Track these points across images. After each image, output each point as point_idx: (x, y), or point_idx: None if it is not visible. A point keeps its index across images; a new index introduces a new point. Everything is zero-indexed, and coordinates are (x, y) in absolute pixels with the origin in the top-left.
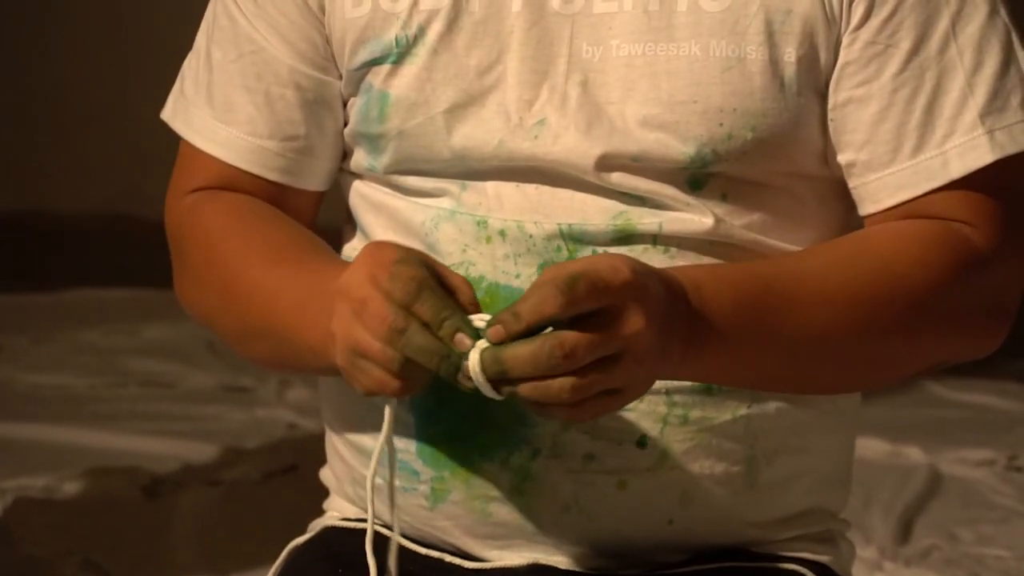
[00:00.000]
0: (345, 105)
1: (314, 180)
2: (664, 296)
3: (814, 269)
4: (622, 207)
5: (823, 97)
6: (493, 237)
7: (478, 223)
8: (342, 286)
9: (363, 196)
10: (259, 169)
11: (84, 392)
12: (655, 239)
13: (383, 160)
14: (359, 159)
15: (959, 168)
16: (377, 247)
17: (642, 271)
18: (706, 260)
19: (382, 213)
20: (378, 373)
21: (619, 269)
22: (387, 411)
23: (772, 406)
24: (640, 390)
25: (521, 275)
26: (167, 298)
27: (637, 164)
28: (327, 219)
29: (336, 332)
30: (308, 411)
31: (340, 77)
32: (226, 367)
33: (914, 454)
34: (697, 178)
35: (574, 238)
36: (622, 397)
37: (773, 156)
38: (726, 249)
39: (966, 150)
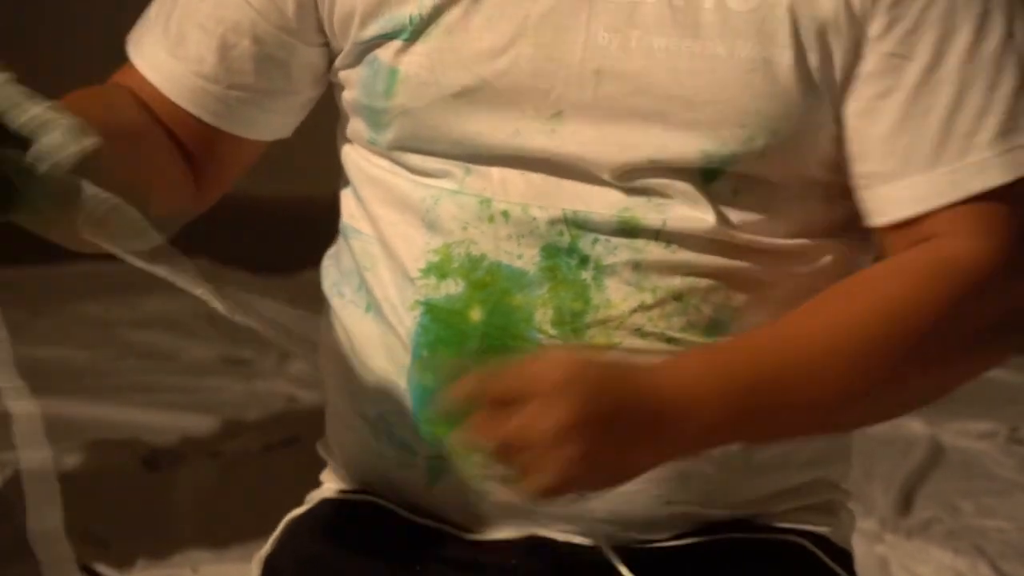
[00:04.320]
0: (329, 71)
1: (254, 130)
2: (612, 401)
3: (820, 329)
4: (628, 201)
5: (840, 103)
6: (496, 217)
7: (481, 202)
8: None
9: (360, 168)
10: (195, 109)
11: (84, 364)
12: (657, 234)
13: (386, 135)
14: (359, 129)
15: (974, 186)
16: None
17: (585, 377)
18: (706, 259)
19: (380, 186)
20: None
21: (554, 368)
22: None
23: None
24: (602, 483)
25: (523, 256)
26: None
27: (651, 162)
28: (328, 188)
29: None
30: (308, 383)
31: (322, 44)
32: (226, 339)
33: (915, 426)
34: (710, 175)
35: (577, 224)
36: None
37: (789, 158)
38: (727, 248)
39: (982, 168)
